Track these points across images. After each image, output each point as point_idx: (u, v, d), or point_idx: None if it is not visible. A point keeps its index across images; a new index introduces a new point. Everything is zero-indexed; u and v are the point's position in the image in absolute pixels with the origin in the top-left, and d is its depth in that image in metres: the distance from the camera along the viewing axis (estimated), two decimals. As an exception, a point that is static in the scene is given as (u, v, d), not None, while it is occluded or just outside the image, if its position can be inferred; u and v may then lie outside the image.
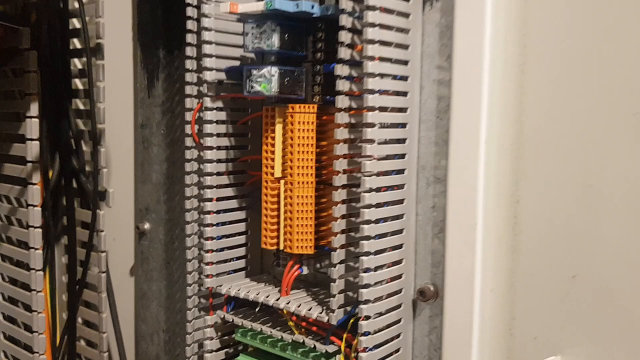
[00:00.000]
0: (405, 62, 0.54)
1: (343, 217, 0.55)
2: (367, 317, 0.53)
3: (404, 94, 0.55)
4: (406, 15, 0.54)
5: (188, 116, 0.66)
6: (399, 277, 0.57)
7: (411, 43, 0.55)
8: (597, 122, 0.48)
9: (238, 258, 0.69)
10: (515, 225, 0.53)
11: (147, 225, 0.85)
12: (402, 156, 0.56)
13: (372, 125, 0.51)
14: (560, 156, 0.50)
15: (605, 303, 0.48)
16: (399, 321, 0.57)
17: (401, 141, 0.55)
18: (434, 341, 0.57)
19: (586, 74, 0.49)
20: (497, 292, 0.55)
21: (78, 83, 0.84)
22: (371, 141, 0.51)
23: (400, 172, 0.55)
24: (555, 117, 0.50)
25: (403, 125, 0.55)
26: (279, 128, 0.60)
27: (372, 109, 0.51)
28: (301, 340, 0.58)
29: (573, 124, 0.49)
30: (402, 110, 0.55)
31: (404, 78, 0.54)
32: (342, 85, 0.53)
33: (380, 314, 0.55)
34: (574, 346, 0.50)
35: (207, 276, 0.66)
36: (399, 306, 0.57)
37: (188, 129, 0.67)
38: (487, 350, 0.54)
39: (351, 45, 0.53)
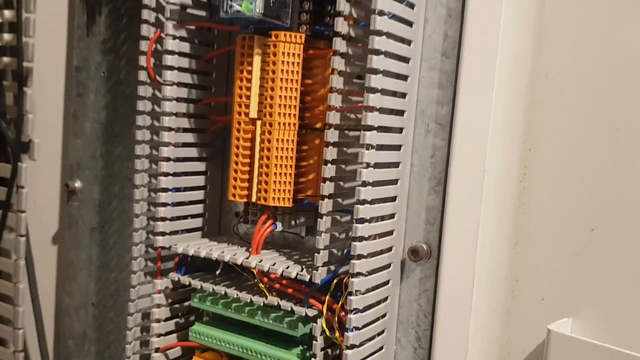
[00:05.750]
0: (413, -13, 0.48)
1: (333, 162, 0.48)
2: (358, 274, 0.46)
3: (409, 23, 0.48)
4: None
5: (144, 46, 0.57)
6: (391, 233, 0.50)
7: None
8: (627, 55, 0.44)
9: (194, 216, 0.60)
10: (525, 176, 0.48)
11: (78, 184, 0.74)
12: (403, 95, 0.49)
13: (378, 52, 0.45)
14: (583, 96, 0.46)
15: (628, 259, 0.44)
16: (387, 282, 0.51)
17: (402, 77, 0.49)
18: (424, 306, 0.51)
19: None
20: (497, 251, 0.49)
21: (2, 14, 0.72)
22: (375, 71, 0.45)
23: (399, 113, 0.49)
24: (578, 54, 0.46)
25: (406, 60, 0.49)
26: (257, 61, 0.52)
27: (379, 33, 0.44)
28: (275, 304, 0.50)
29: (601, 58, 0.45)
30: (406, 41, 0.48)
31: (410, 5, 0.48)
32: (343, 5, 0.45)
33: (371, 273, 0.48)
34: (587, 308, 0.46)
35: (158, 234, 0.57)
36: (388, 266, 0.50)
37: (143, 60, 0.57)
38: (485, 315, 0.49)
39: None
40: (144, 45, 0.56)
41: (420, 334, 0.52)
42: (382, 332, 0.51)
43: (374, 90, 0.45)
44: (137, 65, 0.57)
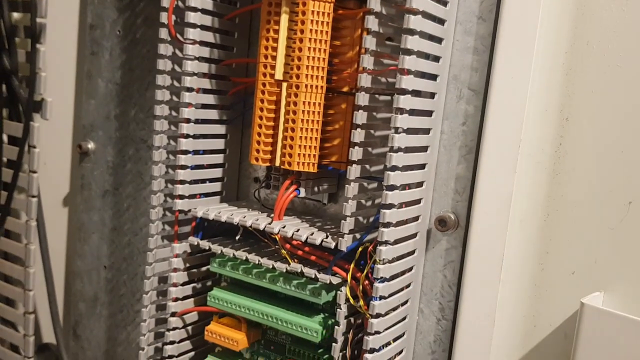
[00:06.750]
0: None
1: (363, 126, 0.46)
2: (386, 243, 0.45)
3: (446, -16, 0.46)
4: None
5: (165, 2, 0.54)
6: (418, 201, 0.49)
7: None
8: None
9: (212, 180, 0.59)
10: (561, 146, 0.47)
11: (91, 145, 0.72)
12: (437, 59, 0.47)
13: (415, 12, 0.43)
14: (625, 65, 0.44)
15: (666, 233, 0.43)
16: (412, 252, 0.50)
17: (437, 40, 0.47)
18: (449, 277, 0.50)
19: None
20: (528, 223, 0.48)
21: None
22: (412, 31, 0.43)
23: (432, 77, 0.47)
24: (621, 19, 0.44)
25: (442, 22, 0.47)
26: (284, 20, 0.50)
27: (418, -9, 0.42)
28: (299, 270, 0.49)
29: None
30: (441, 2, 0.46)
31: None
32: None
33: (397, 242, 0.47)
34: (618, 283, 0.45)
35: (177, 197, 0.56)
36: (414, 235, 0.49)
37: (163, 17, 0.55)
38: (513, 287, 0.48)
39: None
40: (165, 2, 0.54)
41: (444, 304, 0.51)
42: (406, 302, 0.50)
43: (409, 52, 0.43)
44: (154, 24, 0.55)
